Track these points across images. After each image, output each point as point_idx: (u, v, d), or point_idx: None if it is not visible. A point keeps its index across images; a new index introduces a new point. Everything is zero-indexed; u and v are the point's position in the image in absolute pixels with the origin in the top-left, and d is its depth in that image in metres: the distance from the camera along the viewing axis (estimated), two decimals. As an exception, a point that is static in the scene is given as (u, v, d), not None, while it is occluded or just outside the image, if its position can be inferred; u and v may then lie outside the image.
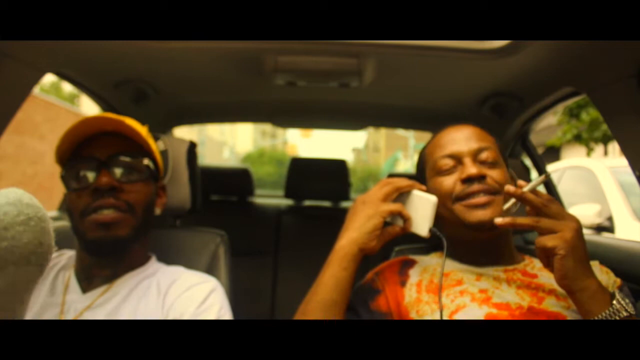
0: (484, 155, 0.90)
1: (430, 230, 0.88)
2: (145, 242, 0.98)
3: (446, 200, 0.89)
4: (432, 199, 0.87)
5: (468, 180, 0.87)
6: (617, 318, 0.71)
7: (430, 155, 0.96)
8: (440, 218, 0.91)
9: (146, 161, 0.94)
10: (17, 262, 0.51)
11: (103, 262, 0.92)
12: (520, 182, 0.80)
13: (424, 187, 0.91)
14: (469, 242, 0.91)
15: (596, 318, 0.72)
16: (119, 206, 0.88)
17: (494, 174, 0.88)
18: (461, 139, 0.92)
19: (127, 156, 0.91)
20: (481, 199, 0.85)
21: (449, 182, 0.90)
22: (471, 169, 0.87)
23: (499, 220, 0.79)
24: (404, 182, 0.90)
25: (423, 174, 0.99)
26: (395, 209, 0.87)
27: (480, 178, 0.86)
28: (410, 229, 0.89)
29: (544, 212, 0.76)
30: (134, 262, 0.95)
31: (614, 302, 0.72)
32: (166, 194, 1.05)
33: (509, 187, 0.78)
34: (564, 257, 0.72)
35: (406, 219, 0.88)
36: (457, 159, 0.91)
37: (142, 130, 0.95)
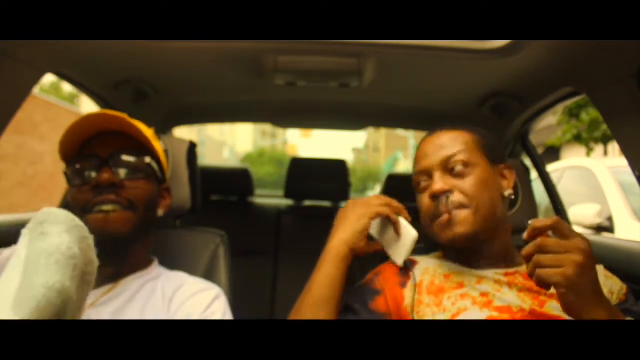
0: (453, 162, 0.89)
1: (405, 262, 0.92)
2: (147, 244, 0.98)
3: (426, 219, 0.91)
4: (413, 233, 0.89)
5: (435, 196, 0.88)
6: None
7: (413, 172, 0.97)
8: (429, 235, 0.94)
9: (148, 160, 0.94)
10: (74, 278, 0.53)
11: (105, 261, 0.92)
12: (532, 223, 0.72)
13: (409, 218, 0.93)
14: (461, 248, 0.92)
15: None
16: (119, 202, 0.88)
17: (463, 184, 0.87)
18: (432, 151, 0.91)
19: (129, 154, 0.92)
20: (444, 217, 0.86)
21: (424, 200, 0.91)
22: (435, 186, 0.87)
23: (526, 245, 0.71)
24: (395, 204, 0.93)
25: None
26: (383, 212, 0.90)
27: (447, 192, 0.87)
28: (388, 252, 0.94)
29: (543, 249, 0.69)
30: (136, 263, 0.95)
31: None
32: (170, 196, 1.05)
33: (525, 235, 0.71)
34: (564, 294, 0.67)
35: (394, 223, 0.91)
36: (428, 174, 0.91)
37: (147, 130, 0.96)
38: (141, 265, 0.96)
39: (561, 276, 0.67)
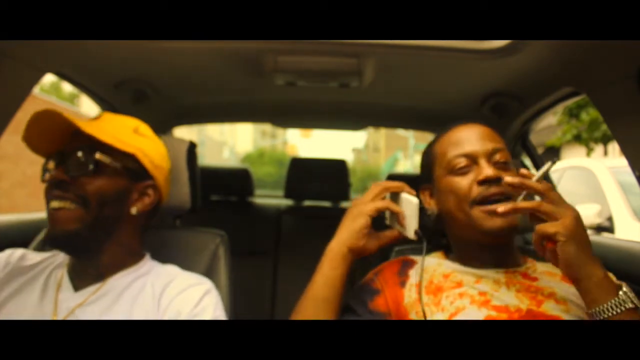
0: (498, 156, 0.89)
1: (416, 232, 0.87)
2: (125, 242, 0.95)
3: (462, 202, 0.87)
4: (414, 200, 0.86)
5: (485, 182, 0.86)
6: (622, 309, 0.70)
7: (442, 154, 0.94)
8: (453, 220, 0.91)
9: (98, 155, 0.90)
10: None
11: (81, 261, 0.93)
12: (524, 170, 0.79)
13: (413, 192, 0.90)
14: (474, 244, 0.90)
15: (601, 307, 0.71)
16: (67, 198, 0.88)
17: (507, 175, 0.86)
18: (475, 138, 0.91)
19: (80, 151, 0.90)
20: (501, 207, 0.83)
21: (464, 183, 0.88)
22: (488, 170, 0.86)
23: (500, 208, 0.77)
24: (392, 183, 0.90)
25: (430, 173, 0.97)
26: (381, 206, 0.87)
27: (497, 180, 0.85)
28: (401, 232, 0.89)
29: (546, 197, 0.75)
30: (119, 261, 0.94)
31: (621, 292, 0.72)
32: (156, 193, 0.99)
33: (508, 178, 0.77)
34: (565, 243, 0.72)
35: (397, 213, 0.88)
36: (472, 159, 0.89)
37: (86, 124, 0.92)
38: (129, 261, 0.95)
39: (561, 225, 0.72)
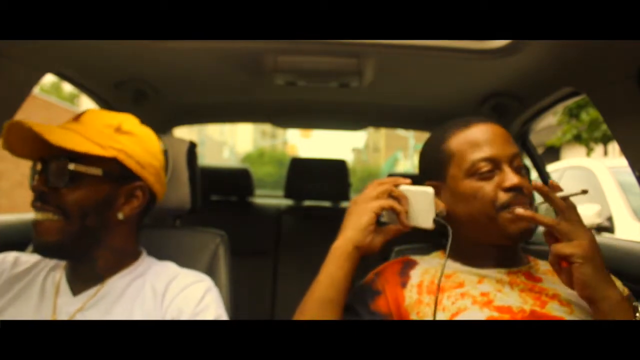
0: (517, 162, 0.88)
1: (434, 221, 0.85)
2: (117, 247, 0.93)
3: (488, 208, 0.85)
4: (429, 190, 0.85)
5: (511, 189, 0.85)
6: None
7: (461, 154, 0.90)
8: (473, 222, 0.88)
9: (72, 166, 0.86)
10: None
11: (76, 266, 0.91)
12: (554, 182, 0.80)
13: (408, 181, 0.88)
14: (487, 246, 0.89)
15: None
16: (49, 210, 0.85)
17: (526, 183, 0.87)
18: (497, 141, 0.88)
19: (57, 160, 0.86)
20: (524, 210, 0.83)
21: (489, 188, 0.86)
22: (514, 178, 0.85)
23: (520, 211, 0.79)
24: (396, 182, 0.89)
25: (442, 171, 0.93)
26: (386, 204, 0.86)
27: (521, 188, 0.85)
28: (411, 223, 0.87)
29: (565, 216, 0.76)
30: (115, 263, 0.93)
31: (638, 314, 0.72)
32: (145, 194, 0.94)
33: (537, 184, 0.78)
34: (581, 265, 0.72)
35: (398, 213, 0.86)
36: (495, 164, 0.87)
37: (60, 132, 0.87)
38: (125, 262, 0.94)
39: (577, 247, 0.73)
